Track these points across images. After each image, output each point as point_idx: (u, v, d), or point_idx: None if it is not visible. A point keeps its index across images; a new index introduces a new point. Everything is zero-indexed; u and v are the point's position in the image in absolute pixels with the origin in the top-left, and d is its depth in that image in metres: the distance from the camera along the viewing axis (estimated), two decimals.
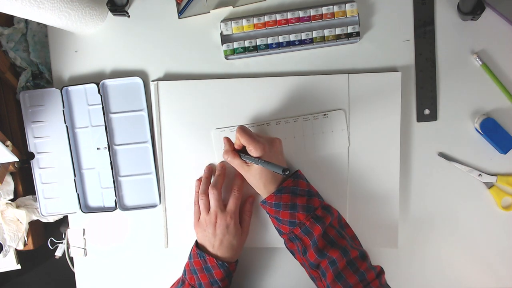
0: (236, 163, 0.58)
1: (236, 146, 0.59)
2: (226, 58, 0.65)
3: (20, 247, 0.70)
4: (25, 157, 0.66)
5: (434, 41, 0.64)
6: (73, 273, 0.70)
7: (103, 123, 0.66)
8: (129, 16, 0.66)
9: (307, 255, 0.54)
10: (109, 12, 0.65)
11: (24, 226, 0.69)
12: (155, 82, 0.65)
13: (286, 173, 0.49)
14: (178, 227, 0.66)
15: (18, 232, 0.69)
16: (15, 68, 0.71)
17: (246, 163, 0.58)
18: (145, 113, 0.66)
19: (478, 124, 0.64)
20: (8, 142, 0.61)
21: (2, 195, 0.68)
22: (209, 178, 0.64)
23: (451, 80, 0.65)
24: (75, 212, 0.68)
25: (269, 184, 0.57)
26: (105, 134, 0.66)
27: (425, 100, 0.65)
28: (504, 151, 0.63)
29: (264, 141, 0.57)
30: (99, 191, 0.68)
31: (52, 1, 0.52)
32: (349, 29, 0.63)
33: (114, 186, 0.66)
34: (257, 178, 0.57)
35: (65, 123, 0.66)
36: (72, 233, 0.68)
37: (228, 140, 0.60)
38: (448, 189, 0.66)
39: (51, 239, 0.72)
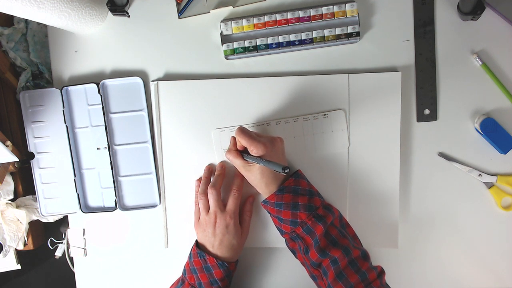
0: (237, 163, 0.58)
1: (238, 147, 0.59)
2: (226, 58, 0.65)
3: (20, 247, 0.70)
4: (25, 157, 0.66)
5: (434, 41, 0.64)
6: (73, 273, 0.70)
7: (103, 123, 0.66)
8: (129, 16, 0.66)
9: (309, 254, 0.54)
10: (109, 12, 0.65)
11: (24, 226, 0.69)
12: (155, 82, 0.65)
13: (286, 171, 0.49)
14: (178, 227, 0.66)
15: (18, 232, 0.69)
16: (15, 68, 0.71)
17: (248, 163, 0.58)
18: (145, 113, 0.66)
19: (478, 124, 0.64)
20: (8, 142, 0.61)
21: (2, 195, 0.68)
22: (209, 178, 0.64)
23: (451, 80, 0.65)
24: (75, 212, 0.68)
25: (271, 184, 0.57)
26: (105, 134, 0.66)
27: (425, 100, 0.65)
28: (504, 151, 0.63)
29: (265, 140, 0.57)
30: (99, 191, 0.68)
31: (52, 1, 0.52)
32: (349, 29, 0.63)
33: (114, 186, 0.66)
34: (258, 178, 0.57)
35: (65, 123, 0.66)
36: (72, 233, 0.68)
37: (234, 139, 0.60)
38: (448, 189, 0.66)
39: (51, 239, 0.71)
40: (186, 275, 0.60)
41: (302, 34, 0.63)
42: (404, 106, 0.65)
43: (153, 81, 0.66)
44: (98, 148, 0.67)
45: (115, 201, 0.67)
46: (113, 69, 0.67)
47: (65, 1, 0.54)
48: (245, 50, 0.64)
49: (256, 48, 0.64)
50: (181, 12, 0.65)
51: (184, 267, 0.62)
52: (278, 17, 0.63)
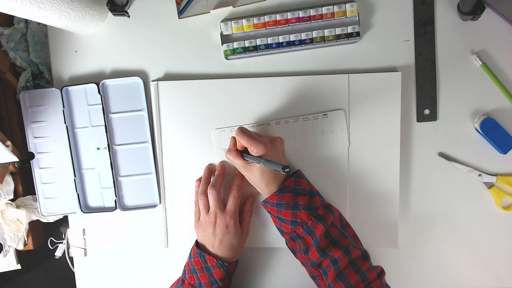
0: (238, 162, 0.58)
1: (238, 147, 0.59)
2: (226, 58, 0.65)
3: (20, 247, 0.70)
4: (25, 157, 0.66)
5: (434, 41, 0.64)
6: (73, 273, 0.70)
7: (103, 123, 0.66)
8: (129, 16, 0.66)
9: (309, 254, 0.54)
10: (109, 12, 0.65)
11: (24, 226, 0.69)
12: (155, 82, 0.65)
13: (286, 171, 0.48)
14: (178, 227, 0.66)
15: (18, 232, 0.69)
16: (15, 68, 0.71)
17: (248, 162, 0.58)
18: (145, 113, 0.66)
19: (478, 124, 0.64)
20: (8, 142, 0.61)
21: (2, 195, 0.68)
22: (209, 178, 0.64)
23: (451, 80, 0.65)
24: (75, 212, 0.68)
25: (271, 184, 0.57)
26: (105, 134, 0.66)
27: (425, 100, 0.65)
28: (504, 151, 0.63)
29: (266, 140, 0.57)
30: (99, 191, 0.68)
31: (52, 1, 0.52)
32: (349, 29, 0.63)
33: (114, 186, 0.66)
34: (258, 178, 0.57)
35: (65, 123, 0.66)
36: (72, 233, 0.68)
37: (234, 139, 0.60)
38: (448, 189, 0.66)
39: (51, 239, 0.71)
40: (186, 275, 0.60)
41: (302, 34, 0.63)
42: (404, 106, 0.65)
43: (153, 81, 0.66)
44: (98, 148, 0.67)
45: (115, 201, 0.67)
46: (113, 69, 0.67)
47: (65, 1, 0.54)
48: (245, 50, 0.64)
49: (256, 48, 0.64)
50: (181, 12, 0.65)
51: (184, 267, 0.62)
52: (278, 17, 0.63)
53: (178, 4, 0.65)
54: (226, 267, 0.58)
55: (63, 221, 0.74)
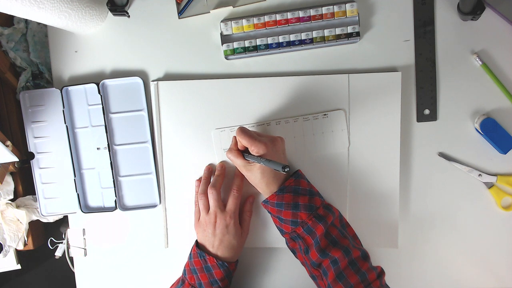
0: (238, 162, 0.58)
1: (239, 147, 0.59)
2: (226, 58, 0.65)
3: (20, 247, 0.70)
4: (25, 157, 0.66)
5: (434, 41, 0.64)
6: (73, 273, 0.70)
7: (103, 123, 0.66)
8: (129, 16, 0.66)
9: (309, 254, 0.54)
10: (109, 12, 0.65)
11: (24, 226, 0.69)
12: (155, 82, 0.65)
13: (286, 170, 0.48)
14: (178, 227, 0.66)
15: (18, 232, 0.69)
16: (15, 68, 0.71)
17: (248, 162, 0.58)
18: (145, 113, 0.66)
19: (478, 124, 0.64)
20: (8, 142, 0.61)
21: (2, 195, 0.68)
22: (209, 178, 0.64)
23: (451, 80, 0.65)
24: (75, 212, 0.68)
25: (271, 184, 0.57)
26: (105, 134, 0.66)
27: (425, 100, 0.65)
28: (504, 151, 0.63)
29: (266, 140, 0.57)
30: (99, 191, 0.68)
31: (52, 1, 0.52)
32: (349, 29, 0.63)
33: (114, 186, 0.66)
34: (259, 178, 0.57)
35: (65, 123, 0.66)
36: (72, 233, 0.68)
37: (235, 139, 0.60)
38: (448, 189, 0.66)
39: (51, 239, 0.72)
40: (186, 275, 0.60)
41: (302, 34, 0.63)
42: (404, 106, 0.65)
43: (153, 81, 0.66)
44: (98, 148, 0.67)
45: (115, 201, 0.67)
46: (113, 69, 0.67)
47: (65, 1, 0.54)
48: (245, 50, 0.64)
49: (256, 48, 0.64)
50: (181, 12, 0.65)
51: (184, 267, 0.62)
52: (278, 17, 0.63)
53: (178, 4, 0.65)
54: (226, 267, 0.58)
55: (63, 221, 0.74)
